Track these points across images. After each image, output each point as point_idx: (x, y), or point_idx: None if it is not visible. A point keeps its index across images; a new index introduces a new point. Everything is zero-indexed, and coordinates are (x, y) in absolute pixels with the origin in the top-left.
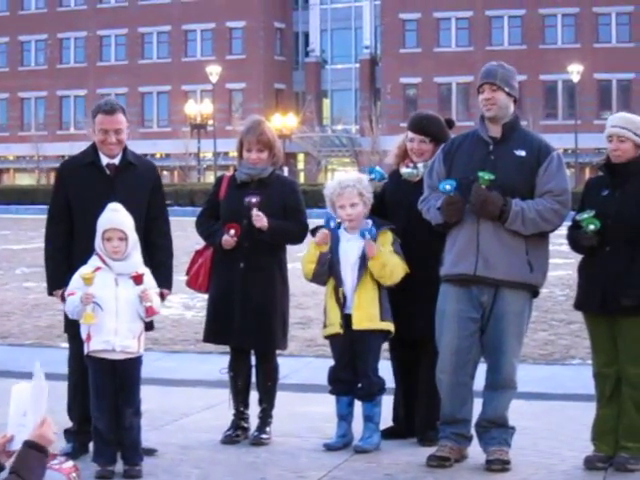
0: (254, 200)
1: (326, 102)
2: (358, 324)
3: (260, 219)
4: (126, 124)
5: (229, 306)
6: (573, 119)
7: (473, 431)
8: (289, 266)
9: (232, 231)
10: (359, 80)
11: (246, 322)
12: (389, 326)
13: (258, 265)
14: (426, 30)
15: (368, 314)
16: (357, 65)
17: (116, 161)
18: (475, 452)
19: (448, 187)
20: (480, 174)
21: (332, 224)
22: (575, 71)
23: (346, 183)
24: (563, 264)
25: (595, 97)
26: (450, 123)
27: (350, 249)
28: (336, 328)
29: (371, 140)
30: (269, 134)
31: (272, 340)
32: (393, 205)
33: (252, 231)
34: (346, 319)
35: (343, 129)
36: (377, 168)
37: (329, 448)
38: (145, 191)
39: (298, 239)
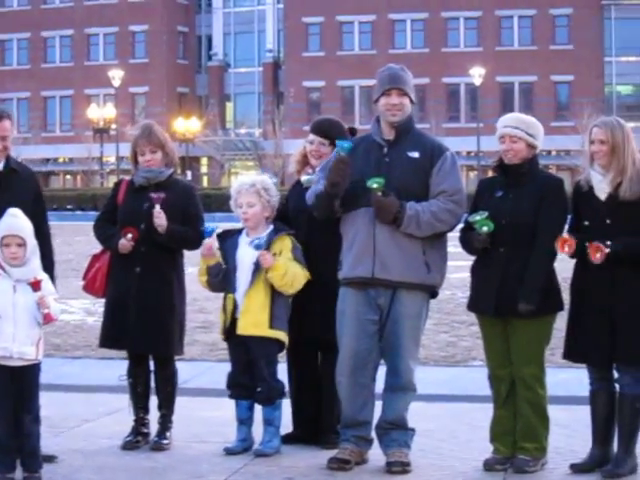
0: (156, 196)
1: (229, 106)
2: (243, 329)
3: (160, 217)
4: (12, 131)
5: (125, 311)
6: (476, 122)
7: (374, 434)
8: (190, 270)
9: (129, 235)
10: (262, 84)
11: (141, 327)
12: (279, 335)
13: (154, 269)
14: (329, 34)
15: (255, 320)
16: (260, 69)
17: (0, 167)
18: (376, 455)
19: (346, 145)
20: (368, 183)
21: (207, 236)
22: (477, 74)
23: (246, 182)
24: (465, 266)
25: (497, 100)
26: (353, 131)
27: (246, 255)
28: (222, 333)
29: (274, 143)
30: (159, 135)
31: (168, 345)
32: (295, 212)
33: (149, 235)
34: (235, 323)
35: (246, 133)
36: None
37: (229, 452)
38: (29, 198)
39: (194, 245)
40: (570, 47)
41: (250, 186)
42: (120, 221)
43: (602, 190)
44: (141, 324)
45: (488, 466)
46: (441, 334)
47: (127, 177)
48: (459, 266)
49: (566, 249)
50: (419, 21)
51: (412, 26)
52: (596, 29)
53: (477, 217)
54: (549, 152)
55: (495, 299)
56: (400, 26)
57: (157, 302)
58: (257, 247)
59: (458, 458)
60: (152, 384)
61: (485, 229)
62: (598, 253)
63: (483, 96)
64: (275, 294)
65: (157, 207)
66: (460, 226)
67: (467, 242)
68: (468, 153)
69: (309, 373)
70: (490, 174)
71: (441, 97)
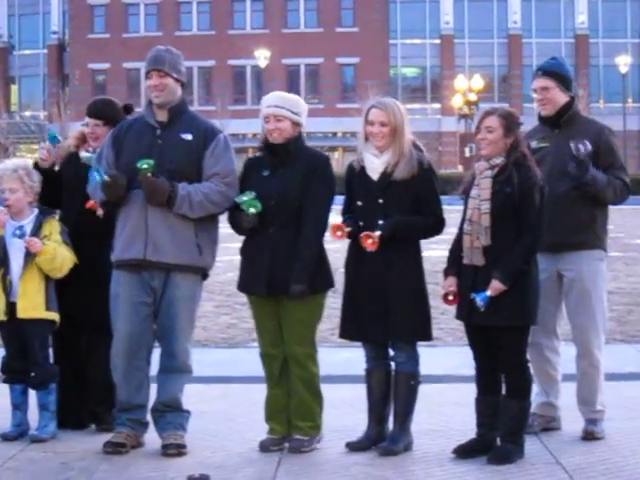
0: None
1: (14, 88)
2: (23, 312)
3: None
4: None
5: None
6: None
7: (150, 417)
8: None
9: None
10: (47, 66)
11: None
12: (54, 316)
13: None
14: (114, 16)
15: (33, 303)
16: (45, 51)
17: None
18: (152, 437)
19: (98, 178)
20: (137, 165)
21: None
22: (263, 56)
23: (8, 168)
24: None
25: (284, 82)
26: (128, 109)
27: (15, 240)
28: (1, 316)
29: (59, 126)
30: None
31: None
32: (70, 189)
33: None
34: (12, 307)
35: (31, 115)
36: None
37: (5, 438)
38: None
39: None
40: (355, 29)
41: (12, 172)
42: None
43: (375, 170)
44: None
45: (264, 447)
46: (222, 316)
47: None
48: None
49: (338, 234)
50: (205, 3)
51: (198, 8)
52: (381, 12)
53: (244, 197)
54: (335, 134)
55: (266, 279)
56: (186, 8)
57: None
58: (21, 237)
59: (235, 440)
60: None
61: (253, 210)
62: (369, 240)
63: (269, 78)
64: (47, 276)
65: None
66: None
67: (236, 222)
68: (254, 135)
69: (74, 357)
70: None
71: (227, 79)
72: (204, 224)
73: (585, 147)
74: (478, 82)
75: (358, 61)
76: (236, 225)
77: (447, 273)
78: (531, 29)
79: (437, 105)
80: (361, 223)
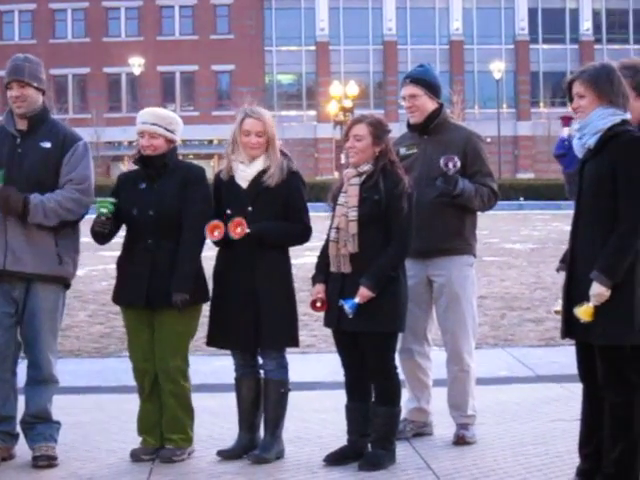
0: None
1: None
2: None
3: None
4: None
5: None
6: (137, 112)
7: (19, 428)
8: None
9: None
10: None
11: None
12: None
13: None
14: None
15: None
16: None
17: None
18: (23, 450)
19: None
20: None
21: None
22: (137, 64)
23: None
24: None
25: (159, 89)
26: None
27: None
28: None
29: None
30: None
31: None
32: None
33: None
34: None
35: None
36: None
37: None
38: None
39: None
40: (231, 37)
41: None
42: None
43: (244, 179)
44: None
45: (135, 457)
46: (96, 325)
47: None
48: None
49: (216, 234)
50: (80, 10)
51: (73, 15)
52: (256, 19)
53: (98, 199)
54: (210, 141)
55: (145, 291)
56: (60, 15)
57: None
58: None
59: (107, 450)
60: None
61: (103, 210)
62: (239, 228)
63: (144, 86)
64: None
65: None
66: None
67: (92, 230)
68: (130, 143)
69: None
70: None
71: (102, 87)
72: (64, 233)
73: (454, 164)
74: (353, 88)
75: (233, 68)
76: (93, 233)
77: (315, 280)
78: (406, 35)
79: (313, 112)
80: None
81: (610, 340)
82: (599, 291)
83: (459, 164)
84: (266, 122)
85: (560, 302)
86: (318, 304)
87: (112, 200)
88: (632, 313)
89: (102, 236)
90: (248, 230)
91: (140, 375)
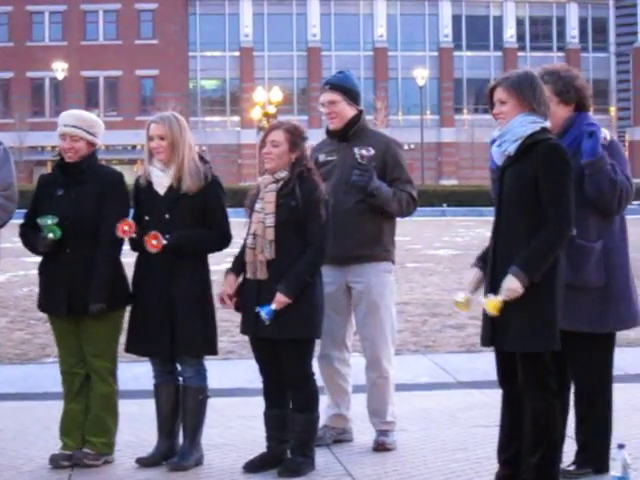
0: None
1: None
2: None
3: None
4: None
5: None
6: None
7: None
8: None
9: None
10: None
11: None
12: None
13: None
14: None
15: None
16: None
17: None
18: None
19: None
20: None
21: None
22: (60, 68)
23: None
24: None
25: (82, 94)
26: None
27: None
28: None
29: None
30: None
31: None
32: None
33: None
34: None
35: None
36: None
37: None
38: None
39: None
40: (155, 42)
41: None
42: None
43: (161, 185)
44: None
45: (54, 462)
46: (16, 332)
47: None
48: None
49: (125, 229)
50: (3, 14)
51: None
52: (181, 24)
53: (48, 221)
54: (134, 146)
55: (66, 300)
56: None
57: None
58: None
59: (26, 457)
60: None
61: (51, 236)
62: (155, 240)
63: (68, 91)
64: None
65: None
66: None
67: (30, 243)
68: (53, 148)
69: None
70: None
71: (25, 91)
72: None
73: (368, 151)
74: (277, 94)
75: (157, 73)
76: (30, 244)
77: (227, 272)
78: (330, 42)
79: (236, 118)
80: (145, 237)
81: (530, 347)
82: (512, 286)
83: (372, 151)
84: (168, 125)
85: (461, 294)
86: (227, 302)
87: (56, 221)
88: (552, 320)
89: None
90: (165, 242)
91: (69, 377)
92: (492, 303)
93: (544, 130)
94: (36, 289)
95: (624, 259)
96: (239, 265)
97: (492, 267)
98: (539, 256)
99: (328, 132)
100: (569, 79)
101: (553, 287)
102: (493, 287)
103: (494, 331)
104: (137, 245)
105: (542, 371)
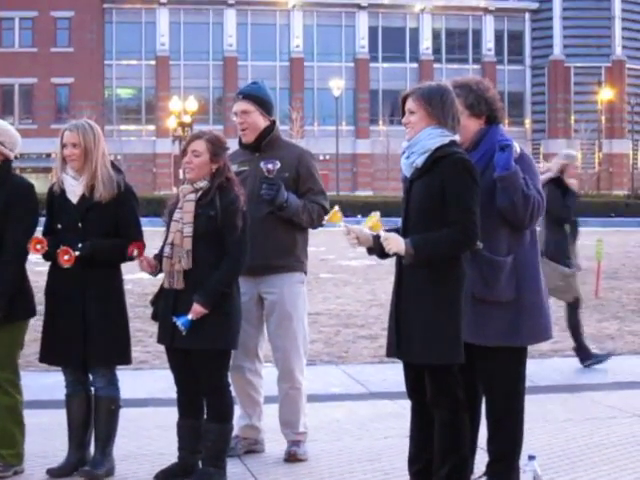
0: None
1: None
2: None
3: None
4: None
5: None
6: None
7: None
8: None
9: None
10: None
11: None
12: None
13: None
14: None
15: None
16: None
17: None
18: None
19: None
20: None
21: None
22: None
23: None
24: None
25: None
26: None
27: None
28: None
29: None
30: None
31: None
32: None
33: None
34: None
35: None
36: None
37: None
38: None
39: None
40: (71, 49)
41: None
42: None
43: (74, 193)
44: None
45: None
46: None
47: None
48: None
49: (38, 247)
50: None
51: None
52: (97, 32)
53: None
54: (49, 155)
55: None
56: None
57: None
58: None
59: None
60: None
61: None
62: (66, 256)
63: None
64: None
65: None
66: None
67: None
68: None
69: None
70: None
71: None
72: None
73: (274, 165)
74: (193, 104)
75: (73, 81)
76: None
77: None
78: (247, 52)
79: (152, 127)
80: (61, 246)
81: (437, 360)
82: (395, 243)
83: (279, 164)
84: (81, 134)
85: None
86: (136, 251)
87: None
88: (457, 332)
89: None
90: (77, 253)
91: None
92: (372, 219)
93: (452, 143)
94: None
95: (535, 273)
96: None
97: (398, 279)
98: (434, 242)
99: (241, 143)
100: (480, 92)
101: (458, 300)
102: (399, 304)
103: (399, 342)
104: (49, 256)
105: (450, 383)
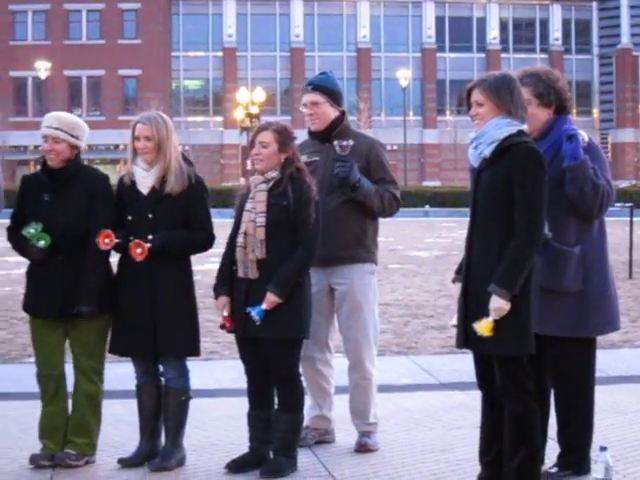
0: None
1: None
2: None
3: None
4: None
5: None
6: (43, 115)
7: None
8: None
9: None
10: None
11: None
12: None
13: None
14: None
15: None
16: None
17: None
18: None
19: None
20: None
21: None
22: (43, 68)
23: None
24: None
25: (65, 94)
26: None
27: None
28: None
29: None
30: None
31: None
32: None
33: None
34: None
35: None
36: None
37: None
38: None
39: None
40: (138, 41)
41: None
42: None
43: (144, 185)
44: None
45: (34, 462)
46: None
47: None
48: (21, 262)
49: (107, 241)
50: None
51: None
52: (164, 24)
53: (32, 230)
54: (117, 146)
55: (59, 303)
56: None
57: None
58: None
59: (8, 458)
60: None
61: (42, 243)
62: (139, 249)
63: (51, 90)
64: None
65: None
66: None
67: (20, 249)
68: (35, 147)
69: None
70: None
71: (8, 91)
72: None
73: (347, 142)
74: (260, 95)
75: (140, 73)
76: (20, 250)
77: (218, 292)
78: (314, 42)
79: (219, 118)
80: (131, 238)
81: (507, 351)
82: (498, 305)
83: (351, 142)
84: (154, 126)
85: (457, 316)
86: (227, 325)
87: (40, 227)
88: (527, 323)
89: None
90: (149, 245)
91: (45, 380)
92: (484, 326)
93: (521, 133)
94: (19, 289)
95: (603, 263)
96: (225, 281)
97: (466, 275)
98: (515, 268)
99: (310, 133)
100: (549, 81)
101: (527, 291)
102: (467, 298)
103: (468, 334)
104: (119, 247)
105: (520, 374)
